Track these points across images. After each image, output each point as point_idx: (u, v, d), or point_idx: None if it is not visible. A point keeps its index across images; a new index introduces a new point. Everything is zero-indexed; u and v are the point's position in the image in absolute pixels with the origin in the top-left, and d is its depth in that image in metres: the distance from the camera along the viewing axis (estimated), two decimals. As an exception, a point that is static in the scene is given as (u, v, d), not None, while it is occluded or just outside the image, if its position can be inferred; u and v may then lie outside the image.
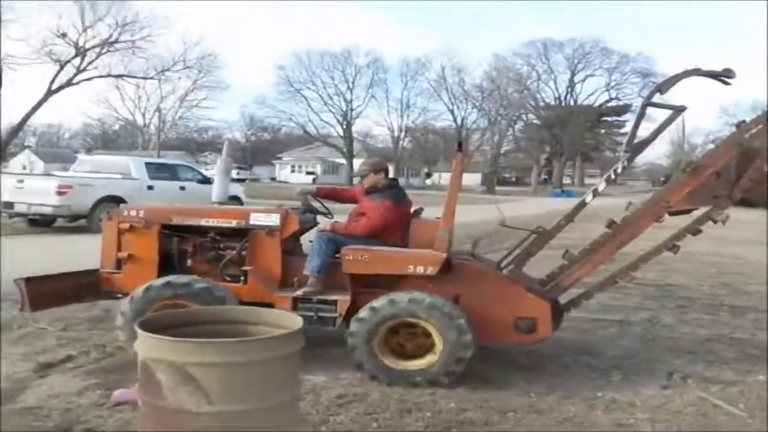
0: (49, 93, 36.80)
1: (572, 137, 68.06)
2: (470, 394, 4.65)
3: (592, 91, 74.51)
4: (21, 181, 14.49)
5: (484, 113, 63.25)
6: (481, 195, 50.54)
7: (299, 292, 5.15)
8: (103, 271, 5.54)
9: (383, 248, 5.20)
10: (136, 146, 72.63)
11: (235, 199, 15.75)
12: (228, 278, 5.40)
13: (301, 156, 72.64)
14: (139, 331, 2.85)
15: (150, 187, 15.56)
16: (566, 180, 75.47)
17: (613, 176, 5.39)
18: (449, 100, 63.67)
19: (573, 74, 70.63)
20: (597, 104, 73.49)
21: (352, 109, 63.25)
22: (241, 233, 5.40)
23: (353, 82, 63.09)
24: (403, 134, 65.70)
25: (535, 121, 72.22)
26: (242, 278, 5.33)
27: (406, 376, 4.78)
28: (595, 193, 5.34)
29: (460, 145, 5.79)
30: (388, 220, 5.38)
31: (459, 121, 63.18)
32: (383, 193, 5.52)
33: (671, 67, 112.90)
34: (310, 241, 5.65)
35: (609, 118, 78.03)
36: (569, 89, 71.55)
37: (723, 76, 5.10)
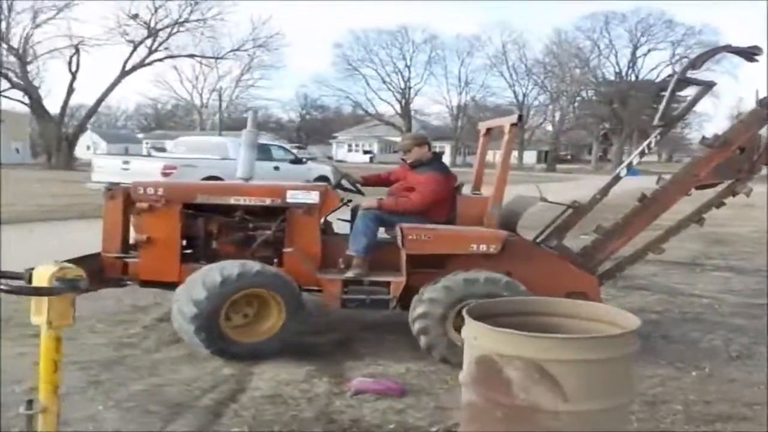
0: (123, 74, 37.36)
1: (632, 113, 66.31)
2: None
3: (654, 65, 72.13)
4: (127, 162, 14.72)
5: (545, 90, 62.17)
6: (543, 173, 49.85)
7: (350, 274, 4.96)
8: (106, 256, 5.02)
9: (445, 227, 5.06)
10: (193, 126, 73.62)
11: (324, 180, 15.72)
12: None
13: (358, 135, 72.52)
14: (486, 326, 2.69)
15: (246, 167, 15.62)
16: (624, 157, 73.77)
17: (646, 151, 5.47)
18: (510, 76, 62.76)
19: (635, 48, 68.54)
20: (659, 79, 71.29)
21: (410, 87, 62.90)
22: (275, 212, 5.09)
23: (411, 60, 62.69)
24: (461, 112, 65.00)
25: (593, 98, 70.62)
26: (276, 260, 5.01)
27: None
28: (629, 167, 5.46)
29: (520, 117, 5.55)
30: (439, 194, 5.21)
31: (520, 98, 62.23)
32: (431, 166, 5.35)
33: (737, 39, 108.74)
34: (339, 219, 5.60)
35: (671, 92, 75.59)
36: (631, 63, 69.52)
37: (749, 53, 5.27)
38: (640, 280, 8.23)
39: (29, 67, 36.85)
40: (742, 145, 5.10)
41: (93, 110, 39.96)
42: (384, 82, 62.78)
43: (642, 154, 5.48)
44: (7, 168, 32.74)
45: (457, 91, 64.64)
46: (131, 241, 5.15)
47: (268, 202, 5.04)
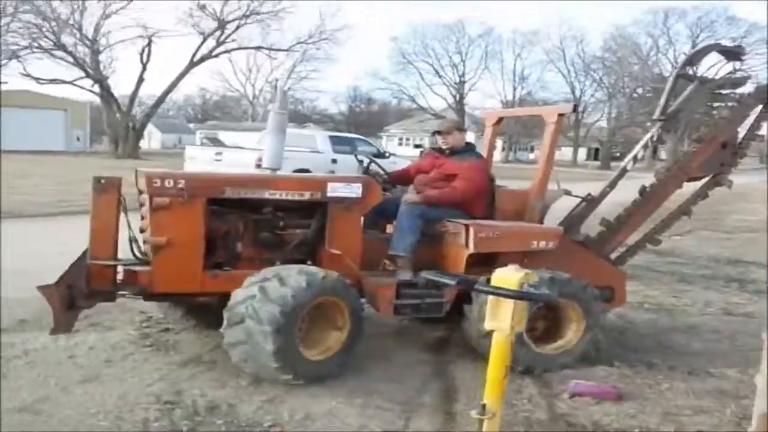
0: (191, 65, 37.84)
1: (688, 111, 64.72)
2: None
3: (714, 62, 70.54)
4: (219, 154, 14.89)
5: (603, 86, 61.16)
6: (598, 171, 49.07)
7: (404, 277, 4.52)
8: (95, 263, 4.04)
9: (507, 223, 4.83)
10: (245, 117, 74.38)
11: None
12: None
13: (409, 128, 72.33)
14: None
15: (334, 161, 15.68)
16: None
17: (649, 144, 5.62)
18: (567, 72, 61.93)
19: (694, 44, 66.84)
20: (718, 76, 69.53)
21: (464, 81, 62.51)
22: (311, 207, 4.50)
23: (466, 54, 62.31)
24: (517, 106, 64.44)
25: (648, 95, 69.19)
26: (310, 262, 4.47)
27: (548, 359, 4.49)
28: (635, 160, 5.59)
29: (575, 107, 5.46)
30: (483, 182, 4.92)
31: (577, 94, 61.28)
32: (471, 153, 5.02)
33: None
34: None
35: (724, 91, 73.85)
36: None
37: (735, 53, 5.67)
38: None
39: (100, 57, 37.62)
40: (725, 140, 5.38)
41: (161, 100, 40.64)
42: (439, 75, 62.50)
43: (645, 147, 5.61)
44: (68, 156, 33.61)
45: (512, 85, 64.05)
46: (140, 244, 4.38)
47: (306, 196, 4.39)
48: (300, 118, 74.00)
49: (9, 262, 7.23)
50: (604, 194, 5.55)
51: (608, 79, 61.06)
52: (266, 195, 4.30)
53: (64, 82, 37.30)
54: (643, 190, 5.46)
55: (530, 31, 63.92)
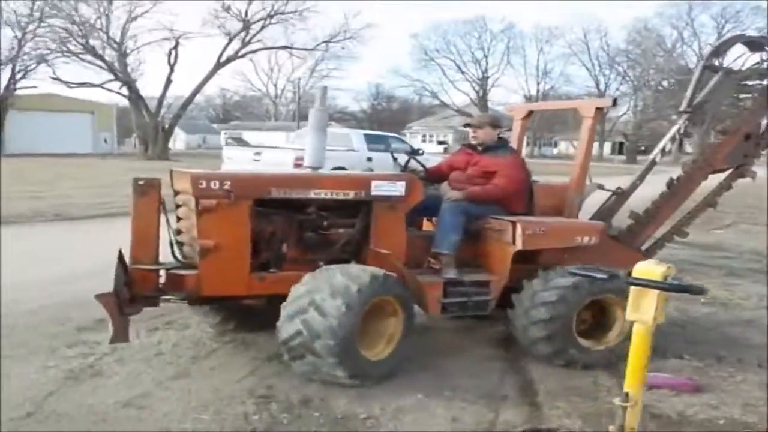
0: (218, 66, 38.23)
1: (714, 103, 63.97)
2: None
3: (740, 53, 69.62)
4: (258, 153, 15.06)
5: (628, 79, 60.83)
6: (625, 165, 48.70)
7: (450, 275, 4.52)
8: (137, 267, 3.99)
9: (552, 219, 4.83)
10: (267, 117, 74.84)
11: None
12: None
13: (434, 125, 72.39)
14: None
15: (369, 158, 15.79)
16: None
17: (676, 137, 5.66)
18: (591, 65, 61.67)
19: (720, 36, 66.09)
20: (745, 67, 68.62)
21: (487, 77, 62.47)
22: (355, 206, 4.43)
23: (488, 49, 62.27)
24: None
25: (673, 87, 68.48)
26: (353, 262, 4.35)
27: (591, 355, 4.45)
28: (663, 153, 5.69)
29: (615, 100, 5.47)
30: (522, 178, 4.92)
31: (602, 88, 60.97)
32: (506, 149, 5.01)
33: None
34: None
35: (751, 82, 72.83)
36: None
37: (759, 42, 5.64)
38: None
39: (128, 60, 38.14)
40: (748, 131, 5.44)
41: (189, 101, 41.10)
42: (461, 72, 62.55)
43: (673, 140, 5.65)
44: (96, 158, 34.09)
45: (536, 80, 63.90)
46: (192, 248, 4.23)
47: (351, 194, 4.34)
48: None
49: (74, 263, 7.45)
50: (633, 187, 5.62)
51: (633, 72, 60.62)
52: (311, 195, 4.26)
53: (93, 85, 37.98)
54: (670, 183, 5.52)
55: (553, 25, 63.61)
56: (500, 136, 5.09)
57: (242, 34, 37.68)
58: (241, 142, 62.06)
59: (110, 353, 4.45)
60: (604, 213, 5.54)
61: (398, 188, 4.42)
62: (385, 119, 79.22)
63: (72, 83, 37.66)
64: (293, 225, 4.31)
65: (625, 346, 4.32)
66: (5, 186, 15.58)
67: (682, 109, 5.57)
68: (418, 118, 76.06)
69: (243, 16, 37.14)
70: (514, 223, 4.53)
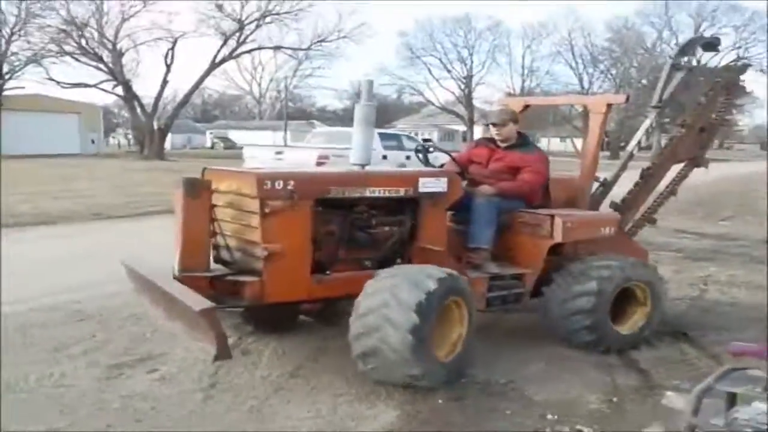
0: (213, 66, 38.39)
1: (692, 100, 65.17)
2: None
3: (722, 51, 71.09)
4: (280, 153, 15.45)
5: (610, 77, 61.86)
6: (609, 161, 49.64)
7: (493, 269, 4.67)
8: (188, 275, 3.77)
9: (580, 212, 5.12)
10: (252, 116, 74.77)
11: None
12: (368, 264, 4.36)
13: (419, 123, 72.85)
14: None
15: (384, 157, 16.25)
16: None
17: (649, 130, 6.22)
18: (575, 64, 62.61)
19: (696, 33, 67.47)
20: (722, 65, 69.88)
21: (472, 75, 63.17)
22: (400, 203, 4.44)
23: (473, 47, 62.96)
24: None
25: (654, 85, 69.55)
26: (399, 260, 4.42)
27: (622, 339, 4.70)
28: (640, 145, 6.14)
29: (628, 97, 5.86)
30: (548, 174, 5.10)
31: (586, 86, 61.88)
32: (531, 145, 5.24)
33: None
34: None
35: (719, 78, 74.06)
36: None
37: (712, 43, 6.07)
38: None
39: (123, 60, 38.16)
40: (702, 125, 5.91)
41: (184, 101, 41.21)
42: (447, 70, 63.10)
43: (646, 133, 6.06)
44: (87, 159, 34.03)
45: (521, 78, 64.78)
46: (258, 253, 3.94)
47: (401, 192, 4.34)
48: (304, 114, 74.74)
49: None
50: (617, 177, 5.96)
51: (615, 70, 61.69)
52: (366, 193, 4.22)
53: (87, 85, 37.92)
54: (643, 174, 5.92)
55: (539, 23, 64.46)
56: (519, 131, 5.21)
57: (236, 34, 37.89)
58: (227, 141, 62.41)
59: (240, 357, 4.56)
60: (593, 203, 5.78)
61: (441, 184, 4.47)
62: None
63: (65, 83, 37.62)
64: (346, 224, 4.25)
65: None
66: (15, 187, 15.80)
67: (653, 104, 6.00)
68: (402, 116, 76.47)
69: (237, 15, 37.40)
70: (552, 217, 4.71)
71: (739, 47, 68.73)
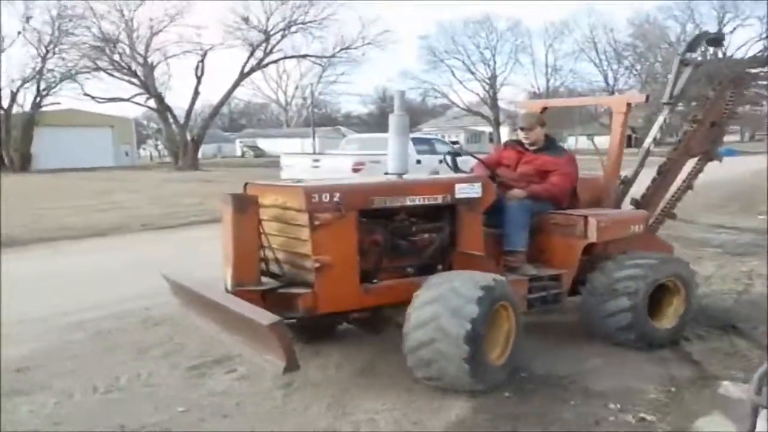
0: (242, 76, 39.04)
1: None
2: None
3: (742, 43, 70.18)
4: (317, 160, 15.77)
5: (635, 72, 61.50)
6: (633, 157, 49.23)
7: (531, 271, 4.77)
8: (240, 288, 3.85)
9: (612, 211, 5.22)
10: (279, 123, 75.55)
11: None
12: (408, 271, 4.41)
13: (445, 125, 72.98)
14: None
15: (418, 161, 16.44)
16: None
17: (663, 127, 6.03)
18: (599, 61, 62.38)
19: (720, 25, 66.71)
20: (747, 56, 68.97)
21: (496, 76, 63.22)
22: (438, 210, 4.52)
23: (495, 48, 63.06)
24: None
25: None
26: (440, 266, 4.49)
27: (658, 334, 4.77)
28: (655, 141, 6.02)
29: (647, 97, 5.91)
30: (577, 176, 5.20)
31: (611, 83, 61.62)
32: (559, 148, 5.31)
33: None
34: None
35: (753, 70, 73.13)
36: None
37: (717, 39, 6.29)
38: None
39: (155, 73, 38.97)
40: (713, 120, 5.96)
41: (215, 111, 41.92)
42: (471, 72, 63.26)
43: (660, 129, 6.03)
44: (122, 171, 34.73)
45: (545, 77, 64.70)
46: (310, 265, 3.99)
47: (439, 199, 4.43)
48: (330, 121, 75.41)
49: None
50: (636, 174, 6.03)
51: (640, 66, 61.29)
52: (406, 202, 4.32)
53: (122, 99, 38.80)
54: (660, 170, 6.00)
55: (560, 21, 64.42)
56: (546, 134, 5.32)
57: (263, 45, 38.42)
58: (256, 149, 63.20)
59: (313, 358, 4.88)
60: (616, 201, 5.81)
61: (476, 190, 4.55)
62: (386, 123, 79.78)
63: (100, 98, 38.54)
64: (388, 233, 4.33)
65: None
66: (56, 201, 16.26)
67: (664, 101, 5.95)
68: (428, 119, 76.66)
69: (264, 27, 37.96)
70: (585, 217, 4.80)
71: (766, 38, 67.89)
